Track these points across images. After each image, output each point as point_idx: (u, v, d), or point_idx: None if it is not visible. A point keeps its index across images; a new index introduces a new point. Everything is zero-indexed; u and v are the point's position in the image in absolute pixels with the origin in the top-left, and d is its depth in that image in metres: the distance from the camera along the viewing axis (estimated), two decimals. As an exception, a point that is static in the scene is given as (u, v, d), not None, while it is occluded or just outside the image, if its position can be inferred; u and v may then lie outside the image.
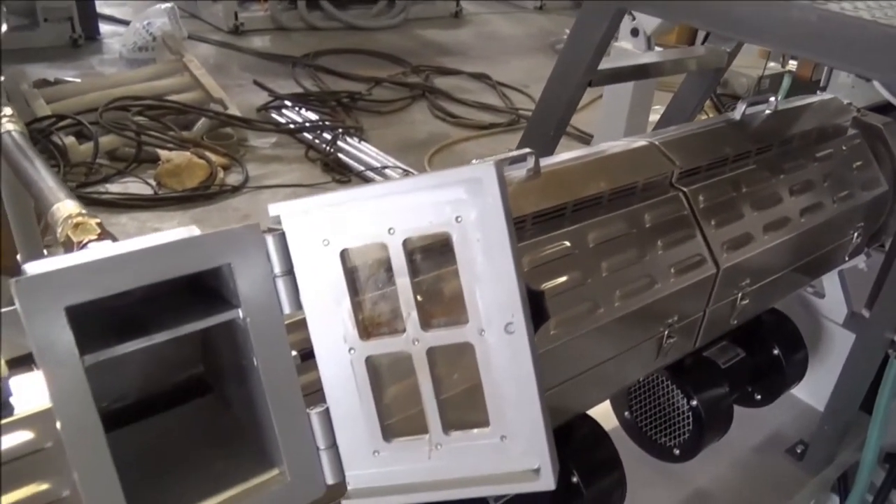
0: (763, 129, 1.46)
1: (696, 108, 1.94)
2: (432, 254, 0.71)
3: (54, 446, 0.67)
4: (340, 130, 4.56)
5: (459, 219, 0.65)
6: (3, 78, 1.34)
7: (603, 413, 1.49)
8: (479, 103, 5.43)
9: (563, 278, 1.06)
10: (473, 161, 0.69)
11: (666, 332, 1.22)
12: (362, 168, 4.24)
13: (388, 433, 0.72)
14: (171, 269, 0.63)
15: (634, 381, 1.54)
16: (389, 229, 0.67)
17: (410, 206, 0.67)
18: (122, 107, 4.21)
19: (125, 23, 5.92)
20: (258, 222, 0.68)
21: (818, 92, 1.95)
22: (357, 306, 0.70)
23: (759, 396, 1.78)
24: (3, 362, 0.66)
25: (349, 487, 0.73)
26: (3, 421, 0.66)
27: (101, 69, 5.41)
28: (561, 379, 1.09)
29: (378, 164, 4.26)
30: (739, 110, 1.45)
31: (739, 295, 1.34)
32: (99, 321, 0.67)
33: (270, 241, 0.67)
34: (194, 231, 0.66)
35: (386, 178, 4.02)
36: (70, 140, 3.82)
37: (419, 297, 0.69)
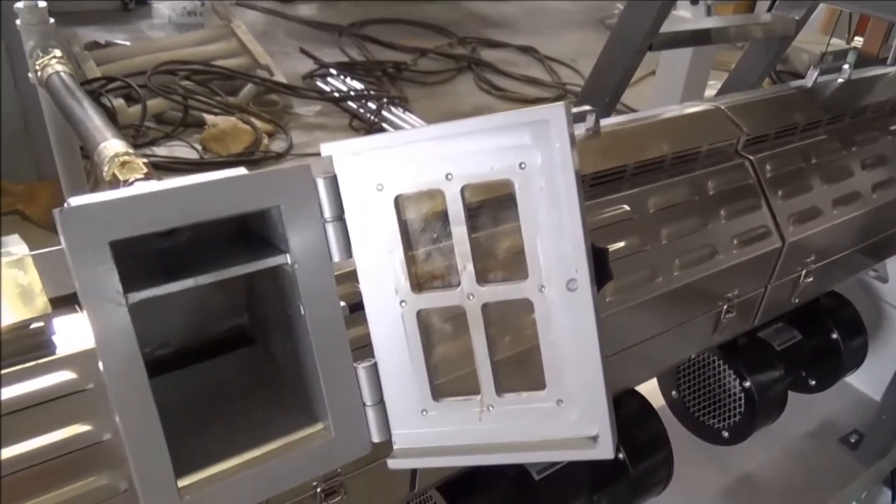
0: (835, 99, 1.38)
1: (759, 79, 1.84)
2: (489, 208, 0.67)
3: (96, 388, 0.66)
4: (385, 100, 4.52)
5: (523, 165, 0.61)
6: (53, 20, 1.32)
7: (648, 392, 1.44)
8: (525, 77, 5.32)
9: (621, 244, 1.01)
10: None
11: (725, 307, 1.16)
12: (406, 139, 4.21)
13: (438, 392, 0.69)
14: (218, 208, 0.60)
15: (685, 359, 1.49)
16: (447, 175, 0.63)
17: (470, 150, 0.62)
18: (170, 71, 4.23)
19: (175, -12, 5.94)
20: (308, 164, 0.64)
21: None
22: (410, 257, 0.66)
23: (813, 382, 1.71)
24: (46, 299, 0.64)
25: (395, 447, 0.70)
26: (45, 360, 0.64)
27: (151, 33, 5.44)
28: (612, 350, 1.05)
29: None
30: (811, 77, 1.37)
31: (803, 272, 1.27)
32: (145, 265, 0.64)
33: (321, 183, 0.64)
34: (242, 171, 0.63)
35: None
36: (119, 102, 3.86)
37: (476, 250, 0.65)
